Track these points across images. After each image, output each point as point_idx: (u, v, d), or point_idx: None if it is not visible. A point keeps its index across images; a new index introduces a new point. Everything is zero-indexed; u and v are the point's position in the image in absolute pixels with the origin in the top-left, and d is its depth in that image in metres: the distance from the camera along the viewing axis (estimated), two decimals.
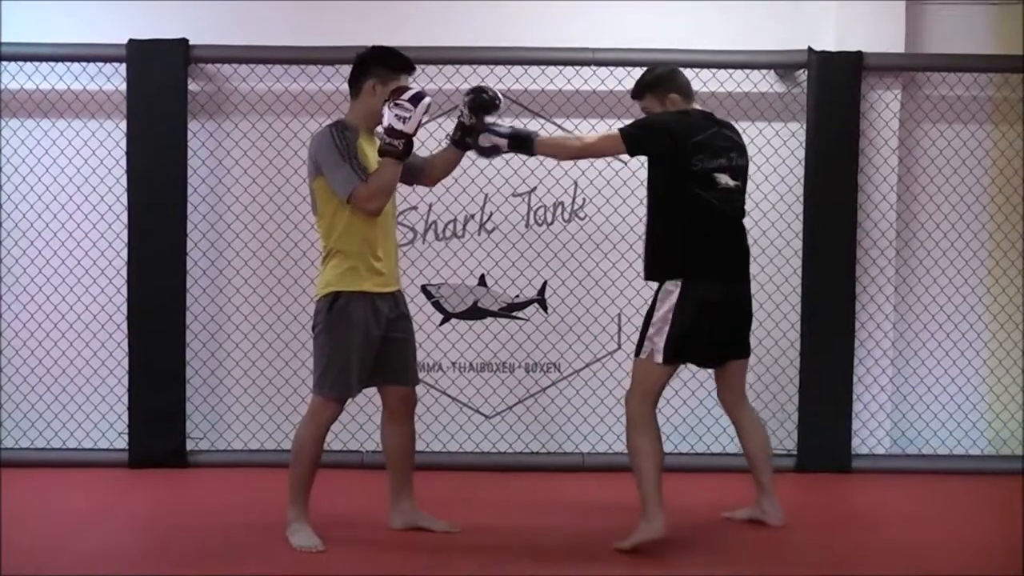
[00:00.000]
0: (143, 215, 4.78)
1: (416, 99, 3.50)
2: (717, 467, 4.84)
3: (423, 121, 3.61)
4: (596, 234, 5.03)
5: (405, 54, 3.71)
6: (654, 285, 3.67)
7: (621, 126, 3.77)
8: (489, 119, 3.84)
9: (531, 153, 3.86)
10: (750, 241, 4.80)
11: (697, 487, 4.51)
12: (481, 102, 3.75)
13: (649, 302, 3.78)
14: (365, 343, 3.62)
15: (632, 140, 3.70)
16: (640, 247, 4.94)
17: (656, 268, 3.77)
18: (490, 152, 3.88)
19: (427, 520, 3.87)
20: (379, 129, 3.63)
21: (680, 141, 3.65)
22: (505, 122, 3.98)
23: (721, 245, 3.75)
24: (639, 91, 3.87)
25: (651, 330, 3.68)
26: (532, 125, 4.99)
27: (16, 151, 4.95)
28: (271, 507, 3.98)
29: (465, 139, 3.84)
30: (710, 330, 3.71)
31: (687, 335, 3.66)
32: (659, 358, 3.66)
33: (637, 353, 3.76)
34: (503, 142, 3.82)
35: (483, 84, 3.84)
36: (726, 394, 4.00)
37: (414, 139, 3.55)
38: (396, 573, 3.46)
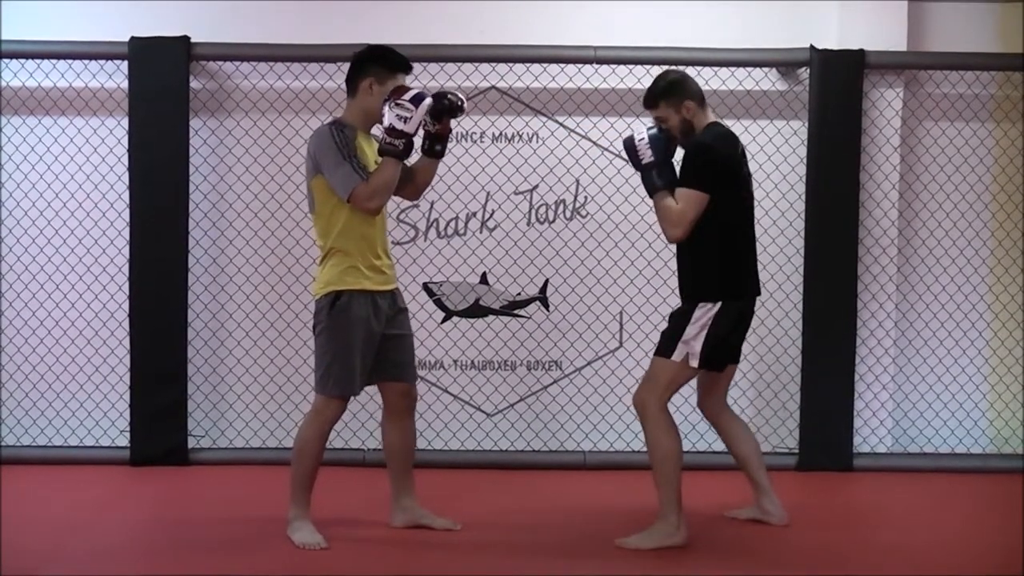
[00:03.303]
0: (145, 213, 4.78)
1: (417, 99, 3.49)
2: (719, 465, 4.84)
3: (424, 121, 3.59)
4: (598, 232, 5.03)
5: (402, 53, 3.69)
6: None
7: (686, 184, 3.64)
8: (454, 122, 3.78)
9: (649, 190, 3.72)
10: None
11: (698, 485, 4.50)
12: (443, 108, 3.64)
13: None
14: (367, 341, 3.62)
15: (706, 187, 3.62)
16: (642, 245, 4.98)
17: (707, 284, 3.70)
18: (635, 158, 3.74)
19: (428, 518, 3.87)
20: (375, 130, 3.64)
21: (732, 160, 3.69)
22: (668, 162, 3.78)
23: (754, 251, 3.85)
24: (653, 100, 3.78)
25: (688, 333, 3.67)
26: (534, 123, 5.01)
27: (18, 149, 4.95)
28: (273, 505, 3.98)
29: (434, 147, 3.77)
30: (739, 338, 3.82)
31: (724, 342, 3.71)
32: (695, 363, 3.68)
33: (666, 354, 3.71)
34: (651, 161, 3.69)
35: (444, 89, 3.74)
36: (710, 400, 4.01)
37: (414, 139, 3.55)
38: (397, 571, 3.47)
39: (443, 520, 3.87)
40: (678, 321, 3.72)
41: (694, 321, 3.67)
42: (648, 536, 3.69)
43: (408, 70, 3.70)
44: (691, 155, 3.69)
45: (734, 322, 3.71)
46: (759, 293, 3.86)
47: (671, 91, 3.76)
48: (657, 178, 3.69)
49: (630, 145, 3.74)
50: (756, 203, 4.86)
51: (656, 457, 3.69)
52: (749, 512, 4.04)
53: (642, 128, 3.74)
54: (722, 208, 3.65)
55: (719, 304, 3.66)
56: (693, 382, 3.97)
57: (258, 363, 5.00)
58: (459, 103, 3.65)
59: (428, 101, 3.52)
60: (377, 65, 3.64)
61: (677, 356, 3.69)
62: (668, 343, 3.72)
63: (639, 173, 3.78)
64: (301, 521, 3.68)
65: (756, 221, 4.84)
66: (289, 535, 3.67)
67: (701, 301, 3.68)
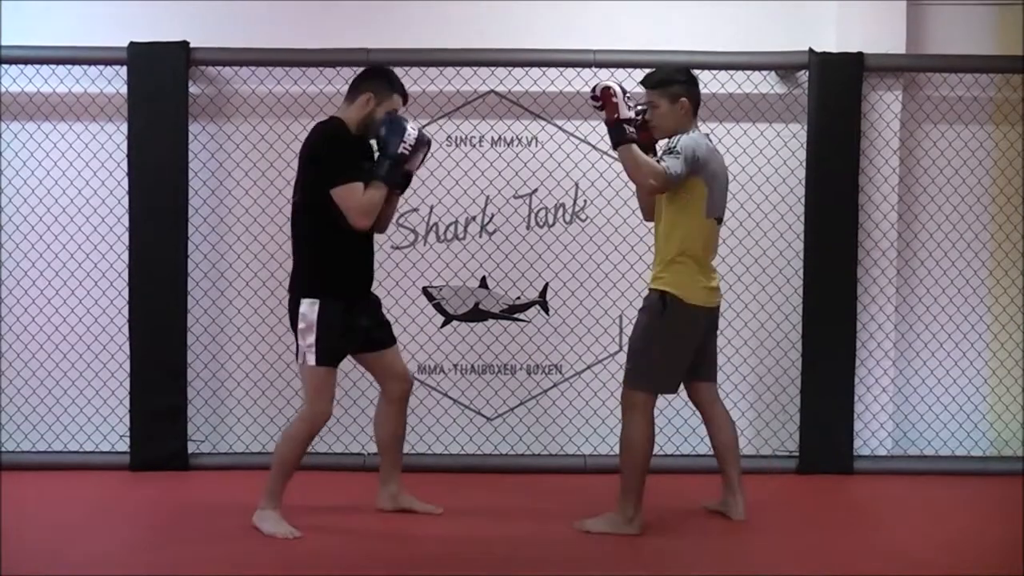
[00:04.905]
0: (144, 218, 4.78)
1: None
2: (716, 467, 4.83)
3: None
4: (597, 236, 5.03)
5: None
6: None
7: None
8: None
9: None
10: (751, 242, 4.92)
11: (697, 486, 4.50)
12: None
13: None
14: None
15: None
16: (641, 249, 4.98)
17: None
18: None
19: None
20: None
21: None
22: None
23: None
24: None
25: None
26: (533, 127, 5.01)
27: (17, 154, 4.95)
28: None
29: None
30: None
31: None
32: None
33: None
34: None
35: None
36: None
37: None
38: (397, 572, 3.46)
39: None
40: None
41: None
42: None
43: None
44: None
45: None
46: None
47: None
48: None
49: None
50: (756, 206, 4.94)
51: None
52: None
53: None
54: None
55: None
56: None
57: (258, 368, 5.00)
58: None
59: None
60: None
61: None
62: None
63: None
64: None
65: (756, 223, 4.93)
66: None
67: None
